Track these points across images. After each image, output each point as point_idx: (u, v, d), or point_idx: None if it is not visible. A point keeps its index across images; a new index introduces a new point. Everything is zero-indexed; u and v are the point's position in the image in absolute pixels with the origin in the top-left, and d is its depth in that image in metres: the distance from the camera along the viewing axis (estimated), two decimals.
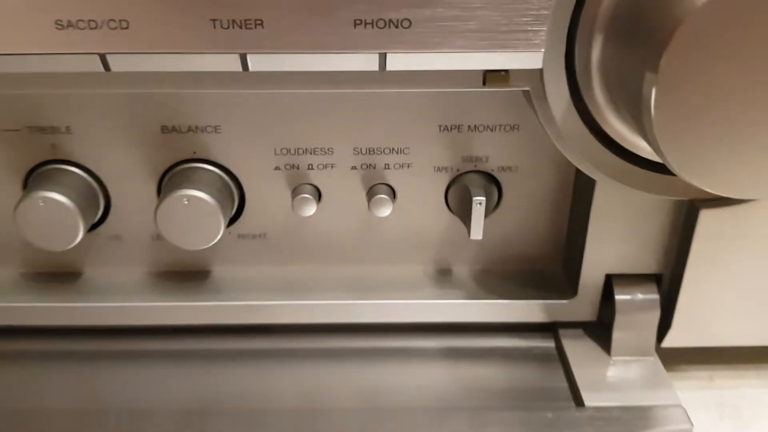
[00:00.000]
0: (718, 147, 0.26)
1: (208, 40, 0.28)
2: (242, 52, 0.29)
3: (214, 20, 0.28)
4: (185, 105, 0.35)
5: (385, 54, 0.29)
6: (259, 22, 0.28)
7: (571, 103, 0.31)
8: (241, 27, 0.28)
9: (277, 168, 0.37)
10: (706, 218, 0.34)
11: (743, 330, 0.37)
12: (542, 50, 0.29)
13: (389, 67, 0.29)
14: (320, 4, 0.27)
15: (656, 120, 0.26)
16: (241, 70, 0.29)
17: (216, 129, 0.35)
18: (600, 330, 0.39)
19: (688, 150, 0.26)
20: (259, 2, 0.27)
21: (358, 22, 0.28)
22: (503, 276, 0.40)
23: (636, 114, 0.27)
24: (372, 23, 0.28)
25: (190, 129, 0.35)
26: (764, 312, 0.36)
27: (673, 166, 0.27)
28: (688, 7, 0.24)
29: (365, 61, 0.29)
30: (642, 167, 0.32)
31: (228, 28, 0.28)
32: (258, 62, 0.29)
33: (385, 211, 0.36)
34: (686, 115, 0.25)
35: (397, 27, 0.28)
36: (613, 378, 0.37)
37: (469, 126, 0.36)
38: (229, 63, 0.29)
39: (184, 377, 0.38)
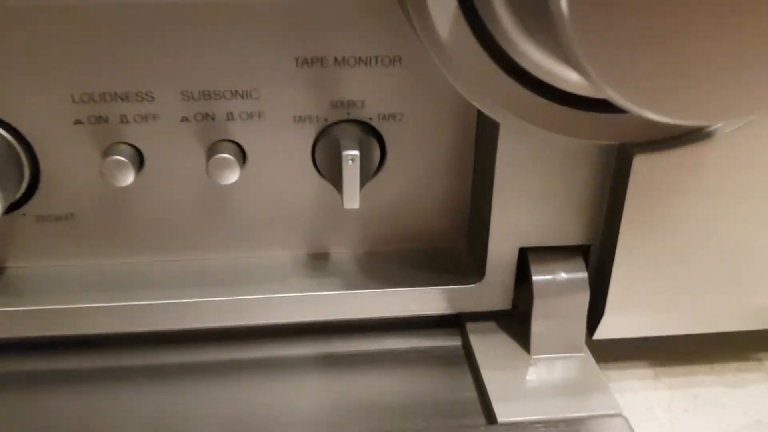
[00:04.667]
0: (656, 49, 0.20)
1: None
2: None
3: None
4: None
5: None
6: None
7: (461, 13, 0.24)
8: None
9: (78, 122, 0.29)
10: (641, 167, 0.28)
11: (691, 314, 0.32)
12: None
13: None
14: None
15: (570, 16, 0.19)
16: None
17: None
18: (517, 321, 0.33)
19: (616, 55, 0.20)
20: None
21: None
22: (394, 258, 0.34)
23: (544, 17, 0.21)
24: None
25: None
26: (715, 290, 0.31)
27: (595, 78, 0.20)
28: None
29: None
30: (559, 103, 0.26)
31: None
32: None
33: (231, 176, 0.29)
34: (612, 6, 0.19)
35: None
36: (534, 383, 0.31)
37: (335, 58, 0.29)
38: None
39: None
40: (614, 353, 0.34)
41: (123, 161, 0.28)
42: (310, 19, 0.28)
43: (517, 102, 0.26)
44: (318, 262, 0.33)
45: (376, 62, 0.29)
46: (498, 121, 0.27)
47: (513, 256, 0.31)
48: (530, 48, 0.25)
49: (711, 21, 0.20)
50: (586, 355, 0.32)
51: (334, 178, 0.30)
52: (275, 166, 0.31)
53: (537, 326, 0.32)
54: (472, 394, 0.30)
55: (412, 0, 0.24)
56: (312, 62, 0.28)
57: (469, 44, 0.25)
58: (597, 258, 0.31)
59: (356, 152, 0.28)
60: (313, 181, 0.31)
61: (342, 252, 0.34)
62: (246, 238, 0.33)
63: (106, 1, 0.26)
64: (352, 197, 0.28)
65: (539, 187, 0.29)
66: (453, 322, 0.34)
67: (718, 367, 0.35)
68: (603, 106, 0.27)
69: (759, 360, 0.35)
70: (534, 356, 0.32)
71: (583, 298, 0.31)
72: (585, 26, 0.19)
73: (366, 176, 0.30)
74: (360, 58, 0.29)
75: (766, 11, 0.20)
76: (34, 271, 0.32)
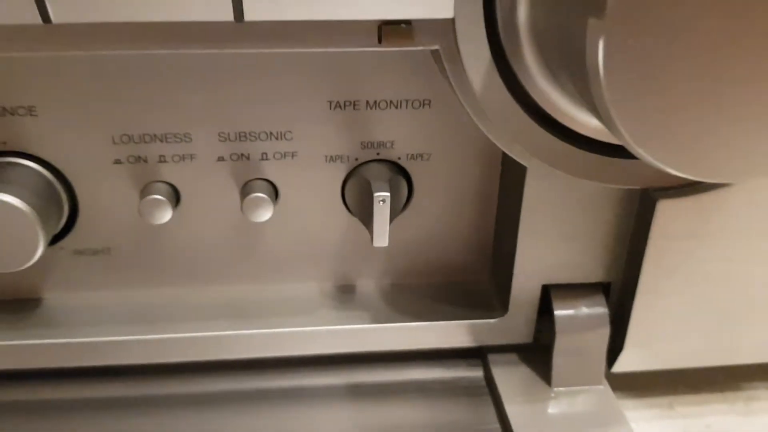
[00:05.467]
0: (680, 114, 0.21)
1: None
2: None
3: None
4: None
5: None
6: None
7: (494, 66, 0.25)
8: None
9: (117, 161, 0.29)
10: (665, 211, 0.28)
11: (709, 348, 0.32)
12: None
13: (247, 15, 0.23)
14: None
15: (606, 80, 0.20)
16: (40, 21, 0.22)
17: (30, 110, 0.28)
18: (538, 354, 0.34)
19: (649, 118, 0.21)
20: None
21: None
22: (419, 292, 0.34)
23: (578, 76, 0.21)
24: None
25: None
26: (734, 325, 0.31)
27: (628, 140, 0.21)
28: None
29: (215, 8, 0.22)
30: (585, 149, 0.27)
31: None
32: (61, 10, 0.22)
33: (264, 214, 0.30)
34: (645, 72, 0.20)
35: None
36: (555, 415, 0.31)
37: (367, 102, 0.29)
38: (23, 12, 0.22)
39: None
40: (630, 383, 0.34)
41: (161, 200, 0.29)
42: (344, 64, 0.28)
43: (545, 148, 0.27)
44: (345, 295, 0.34)
45: (407, 105, 0.30)
46: (526, 165, 0.27)
47: (536, 292, 0.32)
48: (560, 98, 0.26)
49: (746, 88, 0.20)
50: (605, 387, 0.32)
51: (364, 216, 0.30)
52: (306, 203, 0.31)
53: (558, 360, 0.32)
54: (495, 425, 0.31)
55: (446, 53, 0.25)
56: (345, 105, 0.29)
57: (501, 95, 0.25)
58: (618, 295, 0.32)
59: (387, 194, 0.28)
60: (341, 218, 0.32)
61: (368, 284, 0.34)
62: (276, 272, 0.33)
63: (146, 51, 0.26)
64: (382, 236, 0.29)
65: (564, 228, 0.30)
66: (475, 353, 0.34)
67: (729, 396, 0.35)
68: (628, 152, 0.28)
69: None
70: (555, 389, 0.32)
71: (604, 333, 0.32)
72: (621, 89, 0.20)
73: (394, 213, 0.30)
74: (391, 101, 0.29)
75: None
76: (70, 302, 0.32)
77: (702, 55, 0.20)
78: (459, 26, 0.24)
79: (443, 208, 0.32)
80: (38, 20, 0.22)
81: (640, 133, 0.21)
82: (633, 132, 0.21)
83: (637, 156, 0.22)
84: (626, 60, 0.19)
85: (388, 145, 0.30)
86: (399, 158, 0.31)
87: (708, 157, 0.21)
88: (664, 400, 0.35)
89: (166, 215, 0.29)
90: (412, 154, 0.31)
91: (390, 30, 0.24)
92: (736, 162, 0.22)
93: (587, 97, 0.22)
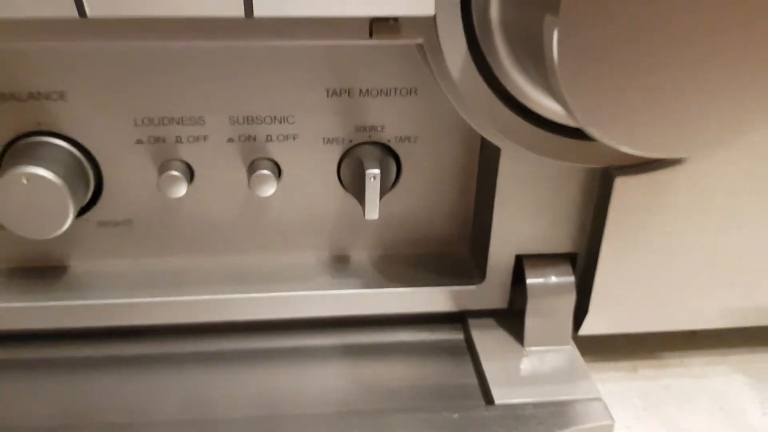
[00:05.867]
0: (633, 95, 0.23)
1: None
2: None
3: None
4: (22, 67, 0.30)
5: None
6: None
7: (470, 58, 0.28)
8: None
9: (139, 141, 0.32)
10: (622, 187, 0.31)
11: (665, 313, 0.35)
12: None
13: (257, 12, 0.25)
14: None
15: (560, 68, 0.23)
16: (77, 15, 0.25)
17: (62, 95, 0.31)
18: (513, 318, 0.36)
19: (598, 101, 0.23)
20: None
21: None
22: (406, 261, 0.37)
23: (539, 64, 0.24)
24: None
25: (30, 95, 0.30)
26: (686, 293, 0.34)
27: (581, 120, 0.24)
28: None
29: (227, 5, 0.25)
30: (551, 132, 0.30)
31: None
32: (96, 5, 0.24)
33: (269, 189, 0.32)
34: (594, 60, 0.23)
35: None
36: (527, 371, 0.34)
37: (360, 90, 0.32)
38: (61, 6, 0.24)
39: (42, 389, 0.33)
40: (599, 349, 0.37)
41: (177, 176, 0.32)
42: (340, 57, 0.31)
43: (517, 131, 0.29)
44: (340, 264, 0.36)
45: (395, 93, 0.32)
46: (500, 146, 0.30)
47: (510, 262, 0.34)
48: (528, 86, 0.28)
49: (683, 71, 0.23)
50: (572, 347, 0.35)
51: (357, 192, 0.33)
52: (306, 180, 0.34)
53: (530, 322, 0.35)
54: (473, 380, 0.34)
55: (429, 46, 0.28)
56: (341, 93, 0.32)
57: (477, 83, 0.28)
58: (583, 264, 0.34)
59: (378, 171, 0.31)
60: (337, 194, 0.35)
61: (361, 254, 0.37)
62: (279, 242, 0.36)
63: (166, 42, 0.28)
64: (373, 210, 0.32)
65: (534, 203, 0.32)
66: (457, 318, 0.37)
67: (687, 361, 0.38)
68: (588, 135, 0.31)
69: (723, 355, 0.38)
70: (527, 348, 0.35)
71: (570, 299, 0.34)
72: (573, 76, 0.23)
73: (384, 190, 0.33)
74: (381, 89, 0.32)
75: (732, 57, 0.23)
76: (94, 269, 0.35)
77: (645, 42, 0.22)
78: (440, 22, 0.27)
79: (428, 186, 0.35)
80: (75, 14, 0.25)
81: (591, 115, 0.24)
82: (585, 114, 0.24)
83: (591, 135, 0.25)
84: (577, 50, 0.22)
85: (379, 128, 0.33)
86: (389, 141, 0.33)
87: (654, 134, 0.24)
88: (629, 363, 0.38)
89: (181, 190, 0.32)
90: (401, 137, 0.33)
91: (379, 25, 0.27)
92: (679, 137, 0.25)
93: (548, 84, 0.25)
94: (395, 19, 0.27)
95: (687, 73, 0.23)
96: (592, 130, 0.24)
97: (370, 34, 0.27)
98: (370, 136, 0.33)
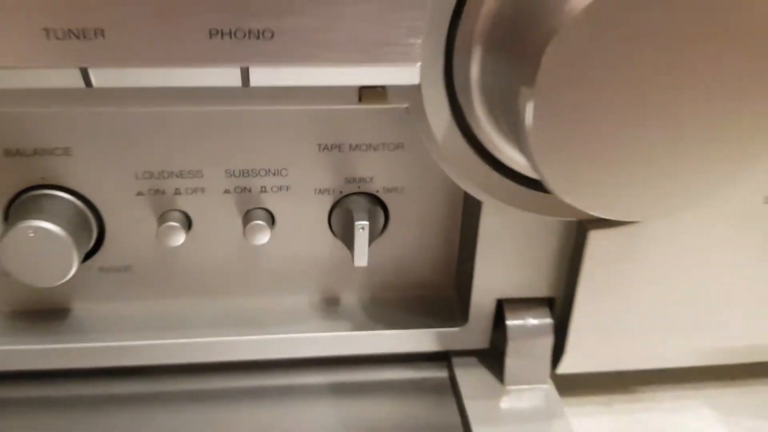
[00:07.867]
0: (598, 165, 0.25)
1: (42, 52, 0.25)
2: (82, 66, 0.26)
3: (47, 30, 0.25)
4: (29, 125, 0.31)
5: (248, 68, 0.26)
6: (99, 31, 0.25)
7: (453, 121, 0.30)
8: (78, 37, 0.25)
9: (139, 193, 0.33)
10: (595, 239, 0.33)
11: (638, 353, 0.37)
12: (418, 64, 0.27)
13: (253, 82, 0.27)
14: (168, 11, 0.25)
15: (532, 138, 0.24)
16: (83, 86, 0.26)
17: (66, 151, 0.32)
18: (494, 358, 0.37)
19: (567, 170, 0.25)
20: (98, 9, 0.24)
21: (214, 32, 0.26)
22: (393, 304, 0.38)
23: (515, 131, 0.26)
24: (230, 33, 0.26)
25: (36, 152, 0.32)
26: (657, 334, 0.36)
27: (551, 186, 0.26)
28: (562, 19, 0.23)
29: (226, 76, 0.27)
30: (528, 186, 0.31)
31: (63, 39, 0.25)
32: (102, 77, 0.26)
33: (263, 238, 0.34)
34: (564, 132, 0.24)
35: (258, 38, 0.26)
36: (506, 409, 0.35)
37: (350, 145, 0.34)
38: (69, 78, 0.26)
39: (42, 427, 0.34)
40: (575, 386, 0.39)
41: (176, 226, 0.33)
42: (332, 116, 0.32)
43: (496, 186, 0.31)
44: (330, 307, 0.37)
45: (383, 148, 0.34)
46: (481, 200, 0.32)
47: (492, 305, 0.36)
48: (506, 146, 0.30)
49: (653, 144, 0.25)
50: (549, 386, 0.37)
51: (347, 240, 0.34)
52: (298, 228, 0.35)
53: (510, 362, 0.36)
54: (456, 418, 0.35)
55: (414, 110, 0.29)
56: (332, 147, 0.33)
57: (458, 143, 0.30)
58: (560, 308, 0.36)
59: (366, 222, 0.33)
60: (328, 241, 0.36)
61: (351, 297, 0.38)
62: (273, 286, 0.37)
63: (168, 108, 0.31)
64: (362, 257, 0.33)
65: (514, 252, 0.34)
66: (441, 357, 0.38)
67: (659, 395, 0.40)
68: None
69: (695, 389, 0.40)
70: (507, 387, 0.36)
71: (548, 340, 0.36)
72: (545, 146, 0.24)
73: (372, 237, 0.34)
74: (370, 144, 0.33)
75: (697, 134, 0.25)
76: (95, 312, 0.36)
77: (617, 117, 0.24)
78: (424, 90, 0.28)
79: (414, 234, 0.36)
80: (81, 84, 0.26)
81: (559, 180, 0.25)
82: (554, 179, 0.25)
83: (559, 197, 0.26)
84: (548, 123, 0.24)
85: (368, 180, 0.34)
86: (377, 191, 0.35)
87: (615, 200, 0.26)
88: (604, 398, 0.39)
89: (179, 239, 0.33)
90: (388, 188, 0.35)
91: (368, 92, 0.29)
92: (647, 205, 0.26)
93: (521, 147, 0.26)
94: (383, 87, 0.29)
95: (657, 145, 0.25)
96: (563, 198, 0.26)
97: (360, 99, 0.29)
98: (359, 187, 0.35)
